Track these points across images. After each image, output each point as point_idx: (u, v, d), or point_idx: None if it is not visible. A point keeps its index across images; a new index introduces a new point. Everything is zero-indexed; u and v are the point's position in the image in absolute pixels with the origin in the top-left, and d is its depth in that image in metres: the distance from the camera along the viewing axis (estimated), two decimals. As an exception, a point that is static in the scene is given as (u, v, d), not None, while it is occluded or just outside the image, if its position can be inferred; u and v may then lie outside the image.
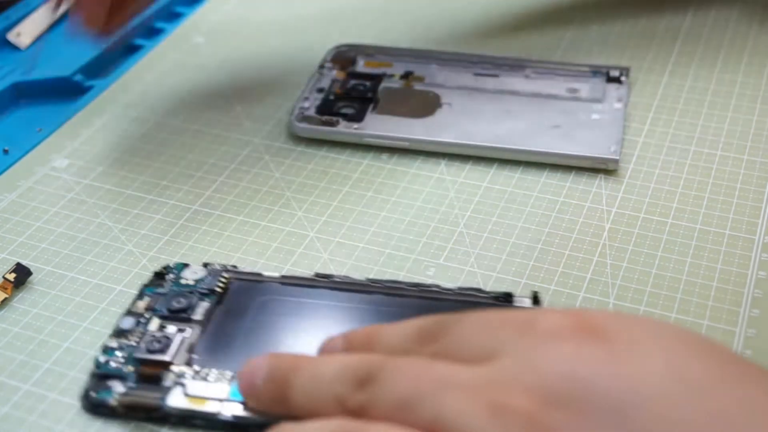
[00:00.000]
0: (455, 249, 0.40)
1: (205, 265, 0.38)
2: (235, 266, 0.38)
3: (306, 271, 0.39)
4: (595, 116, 0.46)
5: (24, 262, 0.39)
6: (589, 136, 0.45)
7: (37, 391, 0.34)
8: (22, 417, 0.33)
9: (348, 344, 0.31)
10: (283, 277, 0.38)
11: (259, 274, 0.38)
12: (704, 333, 0.35)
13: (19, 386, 0.34)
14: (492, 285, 0.38)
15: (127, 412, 0.33)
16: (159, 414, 0.32)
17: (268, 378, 0.30)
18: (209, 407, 0.32)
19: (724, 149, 0.45)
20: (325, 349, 0.32)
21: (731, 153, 0.44)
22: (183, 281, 0.38)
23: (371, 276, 0.38)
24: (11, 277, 0.38)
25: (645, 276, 0.38)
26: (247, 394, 0.31)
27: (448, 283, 0.37)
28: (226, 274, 0.38)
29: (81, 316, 0.37)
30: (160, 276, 0.38)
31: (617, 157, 0.43)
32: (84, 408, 0.33)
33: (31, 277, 0.39)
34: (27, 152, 0.46)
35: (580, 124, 0.46)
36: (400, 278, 0.38)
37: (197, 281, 0.37)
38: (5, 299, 0.38)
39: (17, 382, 0.34)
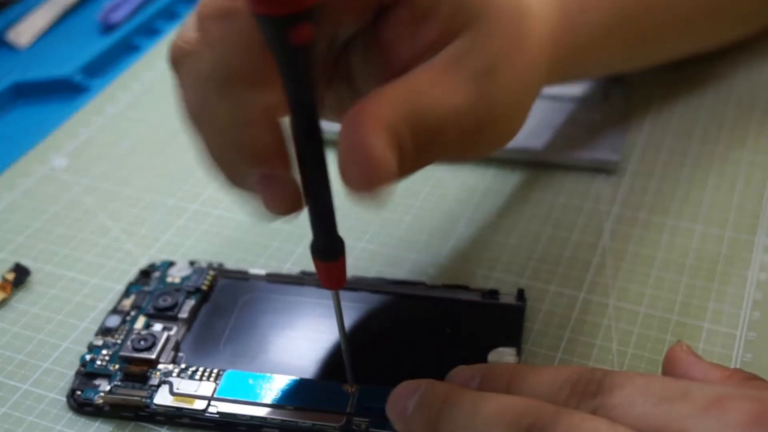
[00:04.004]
0: (455, 249, 0.40)
1: (191, 262, 0.38)
2: (221, 264, 0.38)
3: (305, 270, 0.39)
4: (595, 116, 0.46)
5: (23, 262, 0.39)
6: (590, 136, 0.45)
7: (36, 391, 0.34)
8: (20, 417, 0.33)
9: (486, 382, 0.29)
10: (269, 274, 0.38)
11: (245, 272, 0.38)
12: (704, 336, 0.35)
13: (18, 386, 0.34)
14: (492, 285, 0.37)
15: (114, 410, 0.33)
16: (146, 412, 0.32)
17: (421, 404, 0.28)
18: (196, 405, 0.32)
19: (724, 149, 0.45)
20: (458, 381, 0.30)
21: (731, 153, 0.44)
22: (169, 279, 0.38)
23: (371, 275, 0.38)
24: (10, 276, 0.38)
25: (645, 277, 0.38)
26: (395, 417, 0.29)
27: (438, 280, 0.38)
28: (211, 272, 0.38)
29: (80, 315, 0.37)
30: (145, 274, 0.38)
31: (617, 158, 0.43)
32: (70, 407, 0.33)
33: (30, 277, 0.39)
34: (27, 152, 0.46)
35: (580, 124, 0.45)
36: (400, 278, 0.38)
37: (183, 279, 0.37)
38: (4, 299, 0.38)
39: (16, 382, 0.34)
